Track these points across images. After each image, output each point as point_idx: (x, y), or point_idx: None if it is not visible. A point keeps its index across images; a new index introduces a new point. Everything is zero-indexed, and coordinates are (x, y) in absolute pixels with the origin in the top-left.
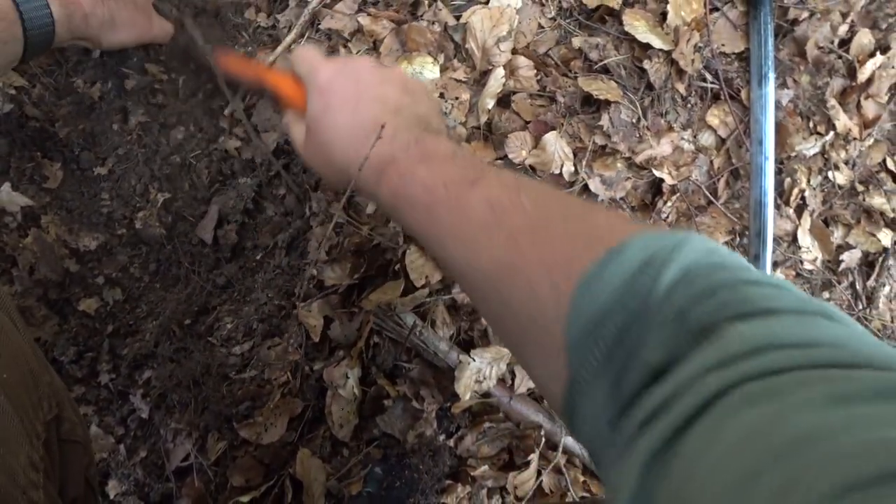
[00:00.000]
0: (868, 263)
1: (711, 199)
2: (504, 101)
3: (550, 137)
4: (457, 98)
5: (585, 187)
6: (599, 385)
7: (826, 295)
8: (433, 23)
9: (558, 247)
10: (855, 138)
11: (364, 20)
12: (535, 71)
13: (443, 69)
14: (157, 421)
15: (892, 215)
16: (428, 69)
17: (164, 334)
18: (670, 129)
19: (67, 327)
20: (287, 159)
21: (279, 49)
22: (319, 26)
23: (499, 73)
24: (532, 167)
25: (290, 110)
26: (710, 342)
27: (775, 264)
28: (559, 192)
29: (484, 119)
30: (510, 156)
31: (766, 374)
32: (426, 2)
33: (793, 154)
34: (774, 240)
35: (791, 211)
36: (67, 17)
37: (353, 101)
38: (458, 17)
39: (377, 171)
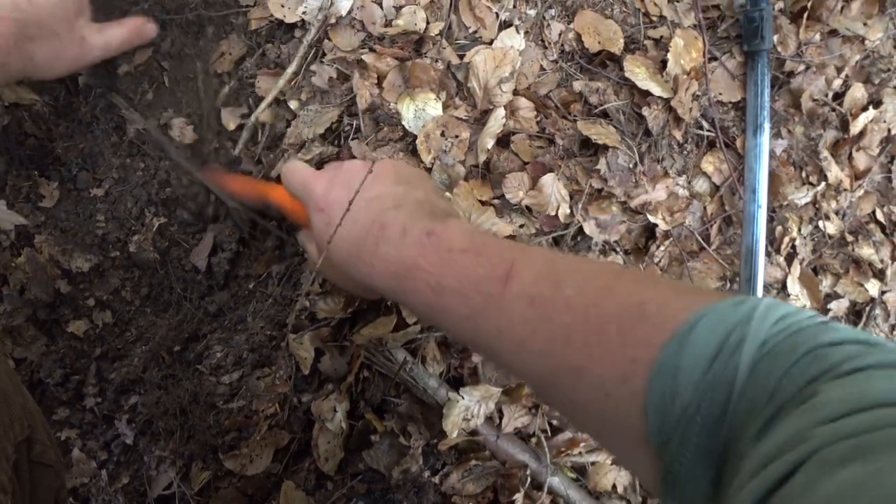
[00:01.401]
0: (855, 313)
1: (704, 244)
2: (503, 141)
3: (548, 179)
4: (457, 136)
5: (580, 230)
6: (697, 475)
7: None
8: (436, 60)
9: (617, 339)
10: (846, 189)
11: (368, 58)
12: (536, 112)
13: (444, 107)
14: (141, 447)
15: (879, 266)
16: (430, 105)
17: (153, 360)
18: (666, 174)
19: (55, 348)
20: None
21: (280, 82)
22: (323, 59)
23: (499, 114)
24: (528, 208)
25: (300, 227)
26: (803, 407)
27: None
28: (598, 266)
29: (483, 158)
30: (507, 196)
31: (861, 433)
32: (430, 41)
33: (785, 203)
34: (764, 287)
35: (781, 259)
36: None
37: (351, 210)
38: (461, 57)
39: (394, 280)
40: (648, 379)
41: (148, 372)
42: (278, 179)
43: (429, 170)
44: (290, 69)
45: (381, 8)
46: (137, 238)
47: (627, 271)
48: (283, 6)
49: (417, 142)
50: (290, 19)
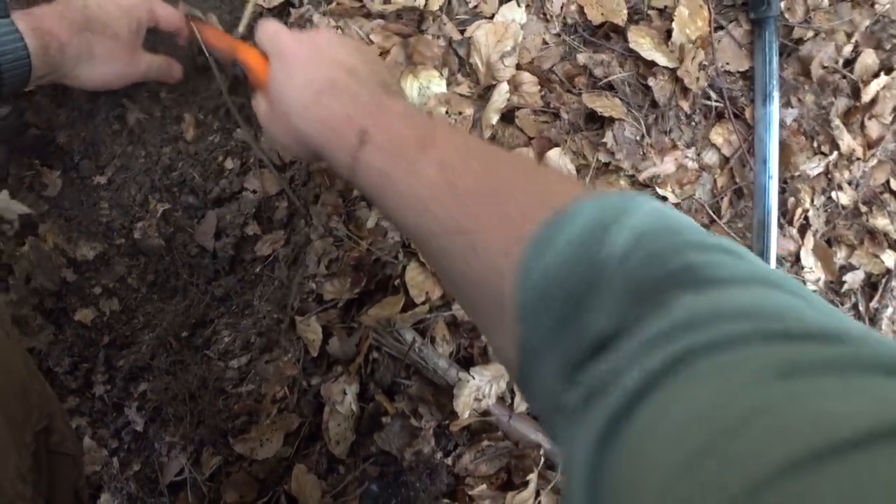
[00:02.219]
0: (871, 285)
1: (714, 217)
2: (508, 116)
3: (554, 154)
4: (460, 113)
5: None
6: (550, 351)
7: None
8: (438, 37)
9: (508, 210)
10: (859, 158)
11: (375, 37)
12: (540, 87)
13: (447, 84)
14: (151, 434)
15: (895, 236)
16: (434, 83)
17: (161, 346)
18: (674, 146)
19: (63, 337)
20: (291, 172)
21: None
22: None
23: (503, 89)
24: None
25: (259, 88)
26: (655, 313)
27: None
28: (510, 154)
29: (487, 134)
30: None
31: (713, 348)
32: (431, 17)
33: (796, 173)
34: (778, 260)
35: (794, 231)
36: (43, 49)
37: (310, 61)
38: (462, 32)
39: (329, 129)
40: (524, 251)
41: (156, 358)
42: None
43: None
44: None
45: None
46: (142, 225)
47: (540, 164)
48: None
49: None
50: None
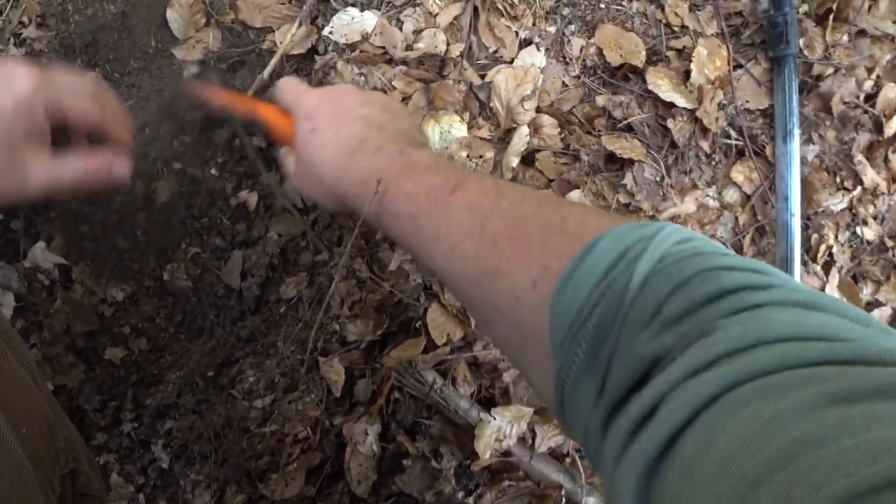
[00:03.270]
0: None
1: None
2: (528, 159)
3: (574, 196)
4: (481, 156)
5: None
6: (586, 383)
7: None
8: (459, 82)
9: (536, 248)
10: (883, 193)
11: (398, 83)
12: (559, 129)
13: (468, 128)
14: (177, 471)
15: None
16: (455, 127)
17: (187, 385)
18: (694, 186)
19: (93, 375)
20: (314, 215)
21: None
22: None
23: (523, 132)
24: None
25: (282, 143)
26: (696, 341)
27: None
28: (539, 192)
29: (508, 177)
30: None
31: (758, 375)
32: (451, 62)
33: (819, 210)
34: None
35: (818, 268)
36: None
37: (337, 121)
38: (482, 77)
39: (361, 185)
40: (554, 286)
41: (182, 397)
42: None
43: None
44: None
45: (401, 31)
46: (171, 266)
47: (565, 200)
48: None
49: None
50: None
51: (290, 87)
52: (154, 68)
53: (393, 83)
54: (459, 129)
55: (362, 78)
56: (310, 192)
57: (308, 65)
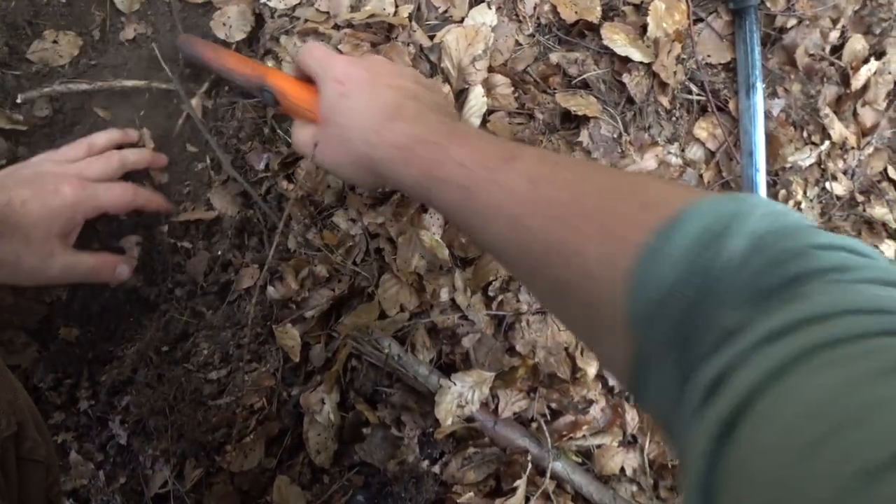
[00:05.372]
0: None
1: None
2: (480, 120)
3: None
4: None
5: None
6: (668, 358)
7: None
8: (408, 44)
9: (609, 220)
10: (853, 147)
11: (344, 46)
12: (513, 88)
13: None
14: (135, 447)
15: (894, 226)
16: None
17: (142, 360)
18: (654, 143)
19: (47, 354)
20: (265, 186)
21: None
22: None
23: (478, 91)
24: None
25: (297, 114)
26: (779, 308)
27: None
28: (598, 163)
29: None
30: None
31: (836, 342)
32: (399, 25)
33: (787, 165)
34: None
35: None
36: None
37: (371, 85)
38: (432, 38)
39: (403, 151)
40: (636, 259)
41: (138, 372)
42: None
43: None
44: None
45: None
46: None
47: (633, 172)
48: (224, 24)
49: None
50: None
51: (316, 51)
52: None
53: (339, 47)
54: None
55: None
56: (333, 162)
57: (252, 46)
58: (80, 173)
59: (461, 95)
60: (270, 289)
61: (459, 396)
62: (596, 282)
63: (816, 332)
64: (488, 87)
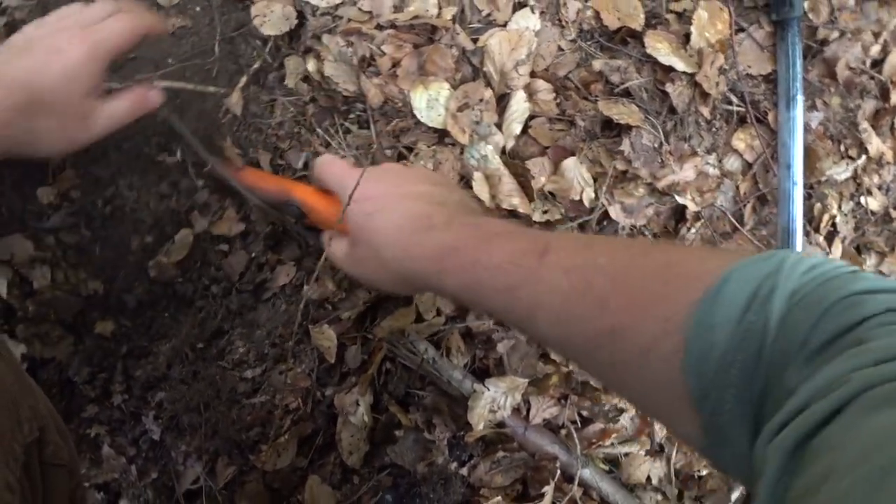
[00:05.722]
0: None
1: (737, 225)
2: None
3: (570, 163)
4: (481, 100)
5: (605, 214)
6: (739, 426)
7: None
8: (451, 46)
9: (650, 300)
10: (888, 162)
11: (387, 47)
12: (555, 94)
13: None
14: (168, 443)
15: None
16: (443, 94)
17: (177, 356)
18: (694, 153)
19: (82, 348)
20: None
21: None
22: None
23: (520, 97)
24: (552, 193)
25: (326, 228)
26: (833, 360)
27: None
28: (627, 240)
29: (510, 144)
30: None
31: (892, 380)
32: (443, 27)
33: (823, 179)
34: None
35: (821, 238)
36: None
37: (395, 200)
38: (475, 41)
39: (437, 262)
40: (684, 337)
41: (172, 368)
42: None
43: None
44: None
45: None
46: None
47: (657, 242)
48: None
49: (448, 126)
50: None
51: (331, 168)
52: None
53: (382, 48)
54: (447, 97)
55: (350, 49)
56: (369, 277)
57: (293, 44)
58: (78, 22)
59: (502, 100)
60: (306, 288)
61: (492, 402)
62: (650, 361)
63: (870, 374)
64: (530, 93)
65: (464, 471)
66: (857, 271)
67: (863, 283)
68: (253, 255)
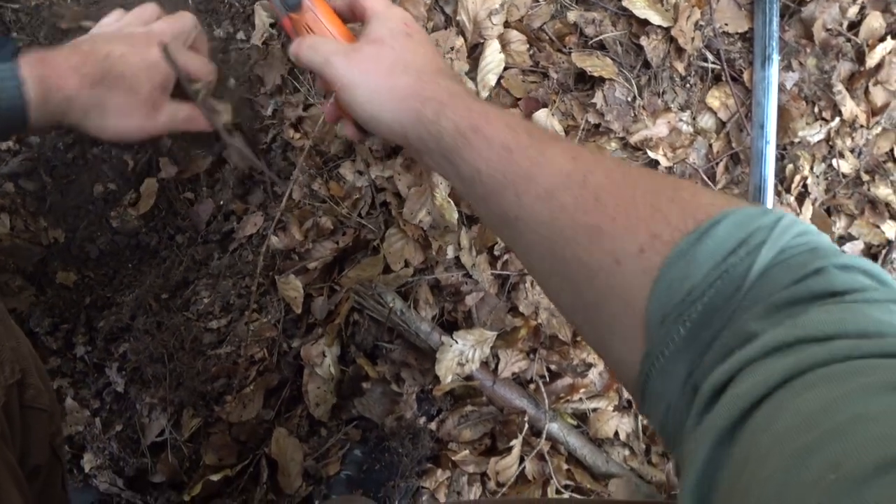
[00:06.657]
0: (871, 255)
1: (709, 183)
2: None
3: (542, 115)
4: (452, 48)
5: None
6: (679, 362)
7: None
8: None
9: (647, 215)
10: (862, 126)
11: None
12: (528, 46)
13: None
14: (132, 395)
15: None
16: None
17: (141, 307)
18: (667, 109)
19: (44, 298)
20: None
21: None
22: None
23: (494, 47)
24: None
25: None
26: (782, 322)
27: None
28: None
29: (485, 95)
30: None
31: (830, 361)
32: None
33: (796, 140)
34: None
35: (792, 198)
36: (44, 99)
37: (430, 42)
38: None
39: (455, 98)
40: (665, 257)
41: (136, 319)
42: None
43: None
44: None
45: None
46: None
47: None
48: None
49: None
50: None
51: None
52: None
53: None
54: None
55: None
56: (365, 79)
57: None
58: (163, 34)
59: (475, 50)
60: (273, 238)
61: (460, 354)
62: (622, 271)
63: (814, 350)
64: (503, 43)
65: (432, 425)
66: (841, 252)
67: (841, 258)
68: (221, 202)
